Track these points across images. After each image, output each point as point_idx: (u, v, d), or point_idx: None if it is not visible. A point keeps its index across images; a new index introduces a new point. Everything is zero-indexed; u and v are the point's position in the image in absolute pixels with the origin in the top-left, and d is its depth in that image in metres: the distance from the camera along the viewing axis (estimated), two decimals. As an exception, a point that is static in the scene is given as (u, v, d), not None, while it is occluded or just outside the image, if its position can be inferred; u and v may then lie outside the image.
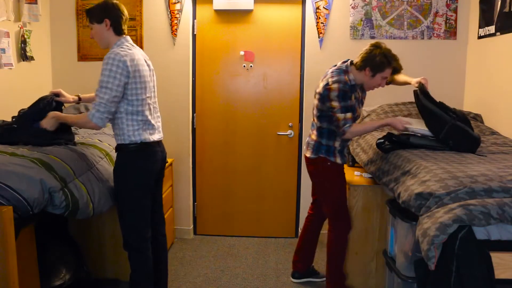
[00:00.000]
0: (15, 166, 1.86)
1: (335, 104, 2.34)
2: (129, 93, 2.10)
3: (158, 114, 2.36)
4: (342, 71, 2.42)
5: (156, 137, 2.26)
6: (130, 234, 2.24)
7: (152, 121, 2.24)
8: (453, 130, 2.23)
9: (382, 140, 2.43)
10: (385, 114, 3.04)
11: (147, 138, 2.19)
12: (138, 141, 2.16)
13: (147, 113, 2.19)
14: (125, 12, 2.22)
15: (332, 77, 2.39)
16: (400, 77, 2.58)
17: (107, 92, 2.03)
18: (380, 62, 2.34)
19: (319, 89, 2.46)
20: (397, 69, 2.42)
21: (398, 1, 3.40)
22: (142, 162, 2.20)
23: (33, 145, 2.18)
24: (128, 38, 2.22)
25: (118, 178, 2.22)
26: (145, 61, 2.23)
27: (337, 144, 2.50)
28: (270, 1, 3.53)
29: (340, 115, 2.34)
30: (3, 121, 2.43)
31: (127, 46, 2.16)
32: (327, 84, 2.39)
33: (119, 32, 2.18)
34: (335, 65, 2.49)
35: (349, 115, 2.34)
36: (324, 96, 2.40)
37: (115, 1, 2.20)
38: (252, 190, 3.76)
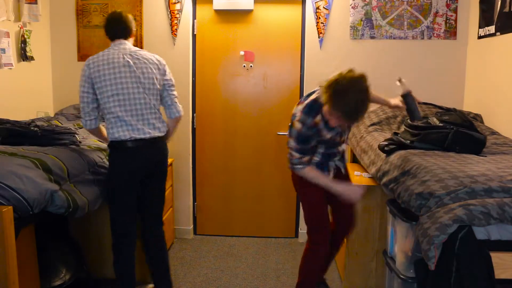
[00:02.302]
0: (15, 166, 1.86)
1: None
2: (98, 92, 2.22)
3: (149, 111, 2.26)
4: None
5: (134, 134, 2.21)
6: (111, 227, 2.34)
7: (127, 118, 2.20)
8: (457, 136, 2.23)
9: (385, 143, 2.42)
10: (385, 114, 3.04)
11: (117, 137, 2.21)
12: (113, 139, 2.23)
13: (115, 109, 2.20)
14: (110, 18, 2.35)
15: None
16: (376, 96, 2.36)
17: (80, 98, 2.25)
18: None
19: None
20: None
21: (398, 1, 3.40)
22: (118, 161, 2.28)
23: (37, 145, 2.19)
24: (116, 42, 2.32)
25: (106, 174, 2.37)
26: (124, 57, 2.24)
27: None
28: (270, 1, 3.53)
29: None
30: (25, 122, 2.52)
31: (103, 50, 2.28)
32: None
33: (111, 38, 2.34)
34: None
35: None
36: None
37: (109, 13, 2.40)
38: (252, 190, 3.76)
